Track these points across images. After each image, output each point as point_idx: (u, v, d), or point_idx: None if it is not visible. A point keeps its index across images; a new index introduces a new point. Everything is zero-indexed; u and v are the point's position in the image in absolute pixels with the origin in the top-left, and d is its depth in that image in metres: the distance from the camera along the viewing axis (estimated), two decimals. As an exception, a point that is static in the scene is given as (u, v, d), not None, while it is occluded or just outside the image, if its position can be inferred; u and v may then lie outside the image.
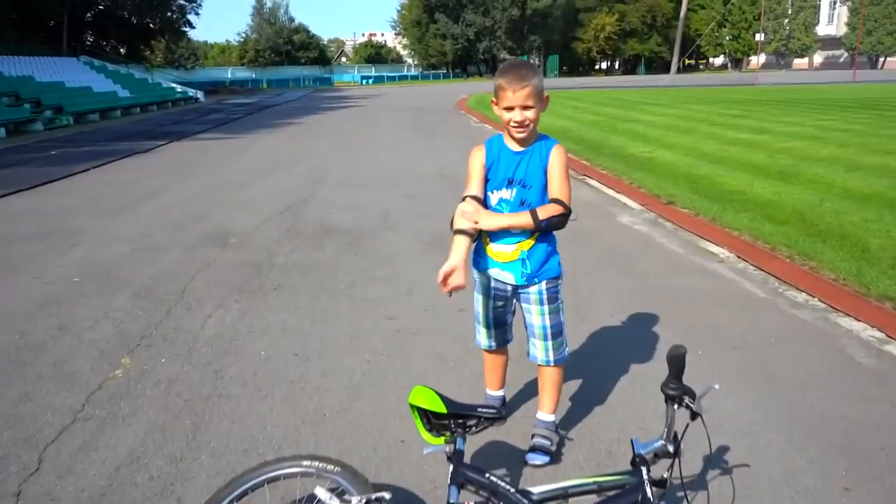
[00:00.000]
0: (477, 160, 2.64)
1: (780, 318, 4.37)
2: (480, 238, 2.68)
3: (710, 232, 6.46)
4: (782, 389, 3.38)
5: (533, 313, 2.73)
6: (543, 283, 2.66)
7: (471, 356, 3.76)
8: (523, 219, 2.51)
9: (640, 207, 7.68)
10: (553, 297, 2.69)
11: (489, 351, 2.98)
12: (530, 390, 3.29)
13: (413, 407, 2.41)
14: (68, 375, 3.62)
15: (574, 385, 3.45)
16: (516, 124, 2.50)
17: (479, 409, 2.43)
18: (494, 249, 2.66)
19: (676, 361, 2.06)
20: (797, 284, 4.94)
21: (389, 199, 8.47)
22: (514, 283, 2.68)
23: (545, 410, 2.87)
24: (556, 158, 2.54)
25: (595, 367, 3.65)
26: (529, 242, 2.60)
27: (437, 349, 3.91)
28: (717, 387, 2.08)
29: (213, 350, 3.93)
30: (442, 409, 2.38)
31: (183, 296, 4.89)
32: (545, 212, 2.50)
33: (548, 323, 2.72)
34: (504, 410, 3.14)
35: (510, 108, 2.48)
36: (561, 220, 2.52)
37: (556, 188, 2.53)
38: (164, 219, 7.56)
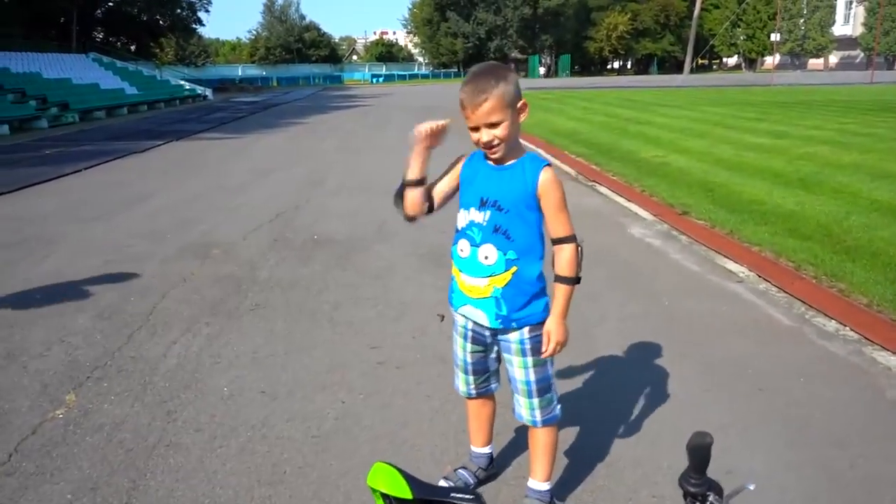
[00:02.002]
0: (457, 164, 2.28)
1: (809, 350, 3.90)
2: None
3: (727, 247, 5.97)
4: (817, 443, 2.91)
5: (515, 365, 2.28)
6: (525, 329, 2.20)
7: (459, 397, 3.30)
8: (565, 294, 2.17)
9: (653, 218, 7.21)
10: (538, 348, 2.22)
11: (469, 398, 2.53)
12: (523, 442, 2.83)
13: (373, 489, 1.97)
14: (1, 416, 3.19)
15: (573, 435, 3.00)
16: (484, 145, 2.08)
17: (453, 495, 1.99)
18: (466, 283, 2.22)
19: (700, 453, 1.61)
20: (826, 310, 4.45)
21: (388, 205, 7.98)
22: (488, 325, 2.23)
23: (537, 478, 2.42)
24: (549, 188, 2.10)
25: (598, 413, 3.19)
26: (505, 277, 2.14)
27: (422, 387, 3.46)
28: (752, 487, 1.60)
29: (170, 385, 3.50)
30: (407, 493, 1.92)
31: (150, 317, 4.46)
32: (566, 265, 2.14)
33: (532, 378, 2.27)
34: (493, 469, 2.70)
35: (475, 129, 2.07)
36: (580, 256, 2.15)
37: (559, 225, 2.13)
38: (148, 226, 7.15)
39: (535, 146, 13.11)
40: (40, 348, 3.96)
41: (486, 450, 2.65)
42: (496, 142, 2.06)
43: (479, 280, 2.18)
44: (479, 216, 2.16)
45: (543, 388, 2.29)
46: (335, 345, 4.02)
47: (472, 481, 2.61)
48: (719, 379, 3.52)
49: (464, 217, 2.21)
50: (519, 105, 2.07)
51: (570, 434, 2.99)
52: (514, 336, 2.23)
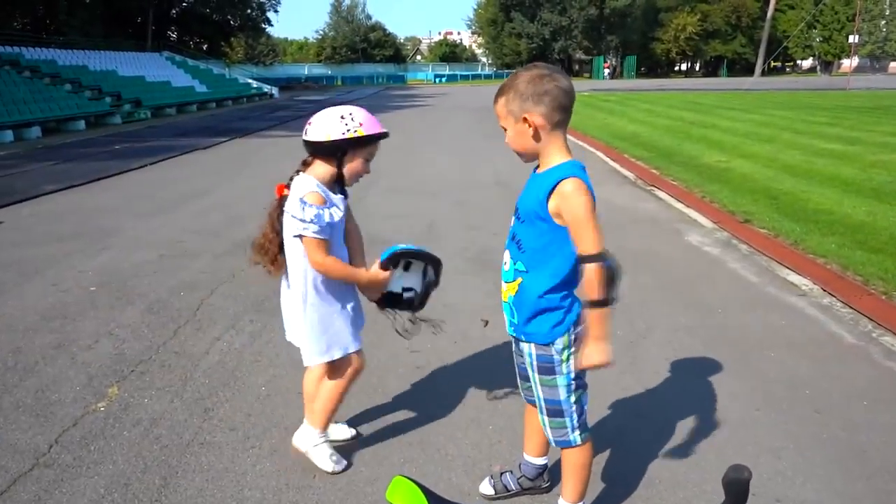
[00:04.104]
0: None
1: (873, 372, 3.65)
2: None
3: (790, 258, 5.70)
4: (876, 475, 2.71)
5: (529, 375, 2.22)
6: (533, 346, 2.12)
7: (496, 407, 3.24)
8: (593, 319, 1.97)
9: (713, 225, 6.95)
10: (545, 369, 2.13)
11: (527, 403, 2.45)
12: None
13: None
14: (47, 407, 3.26)
15: (614, 452, 2.87)
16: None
17: (473, 514, 1.92)
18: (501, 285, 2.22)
19: (736, 488, 1.49)
20: (895, 329, 4.19)
21: (440, 206, 7.98)
22: (507, 330, 2.23)
23: (566, 498, 2.31)
24: (564, 199, 1.94)
25: (641, 429, 3.06)
26: (513, 286, 2.11)
27: (459, 395, 3.38)
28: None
29: (210, 382, 3.52)
30: (425, 510, 1.88)
31: (197, 312, 4.52)
32: (587, 287, 1.95)
33: (541, 395, 2.18)
34: (541, 482, 2.58)
35: None
36: (606, 276, 1.94)
37: (578, 241, 1.95)
38: (202, 222, 7.29)
39: (594, 149, 12.88)
40: (89, 340, 4.05)
41: (536, 460, 2.53)
42: (511, 145, 2.08)
43: (502, 284, 2.19)
44: (512, 222, 2.16)
45: (553, 411, 2.18)
46: (375, 347, 3.96)
47: (512, 487, 2.57)
48: (773, 398, 3.33)
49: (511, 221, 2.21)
50: (524, 118, 1.97)
51: (610, 450, 2.87)
52: (525, 348, 2.17)
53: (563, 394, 2.15)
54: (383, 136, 2.47)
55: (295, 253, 2.48)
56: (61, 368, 3.68)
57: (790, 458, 2.82)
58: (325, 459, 2.73)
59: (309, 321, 2.54)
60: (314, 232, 2.36)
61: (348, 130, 2.38)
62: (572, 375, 2.14)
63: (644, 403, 3.31)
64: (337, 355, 2.60)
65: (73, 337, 4.11)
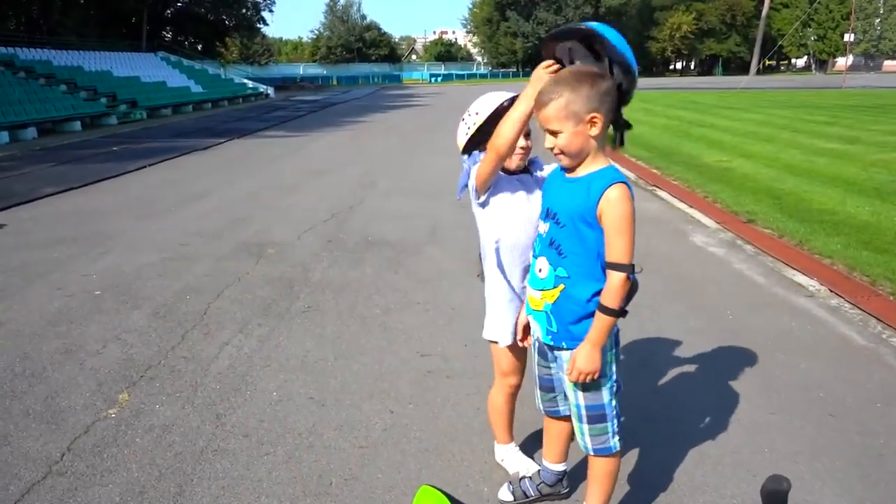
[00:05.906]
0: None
1: (885, 374, 3.64)
2: None
3: (796, 258, 5.69)
4: (894, 480, 2.71)
5: (566, 385, 2.19)
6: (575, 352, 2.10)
7: (510, 411, 3.21)
8: (599, 323, 1.99)
9: (716, 226, 6.94)
10: None
11: (544, 413, 2.43)
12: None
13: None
14: (57, 413, 3.23)
15: (630, 457, 2.85)
16: (549, 150, 2.02)
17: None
18: (528, 293, 2.20)
19: (776, 499, 1.48)
20: (904, 331, 4.18)
21: (441, 208, 7.95)
22: (541, 339, 2.18)
23: (590, 506, 2.30)
24: (609, 205, 1.93)
25: (656, 434, 3.04)
26: (553, 293, 2.06)
27: (472, 399, 3.37)
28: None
29: (220, 387, 3.49)
30: (454, 521, 1.86)
31: (204, 316, 4.49)
32: (607, 293, 1.96)
33: (581, 402, 2.15)
34: (561, 488, 2.57)
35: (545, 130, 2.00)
36: (629, 291, 1.97)
37: (611, 248, 1.95)
38: (204, 224, 7.25)
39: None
40: (97, 345, 4.02)
41: (555, 467, 2.52)
42: (556, 150, 1.99)
43: (535, 292, 2.16)
44: (544, 227, 2.13)
45: (596, 416, 2.16)
46: (384, 351, 3.96)
47: (532, 494, 2.55)
48: (786, 402, 3.32)
49: (539, 226, 2.17)
50: (588, 118, 1.92)
51: (626, 456, 2.84)
52: (565, 355, 2.13)
53: (606, 397, 2.14)
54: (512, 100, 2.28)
55: (481, 227, 2.55)
56: (70, 374, 3.65)
57: (807, 462, 2.81)
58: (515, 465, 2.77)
59: (487, 295, 2.62)
60: (471, 166, 2.40)
61: (468, 129, 2.41)
62: (615, 377, 2.14)
63: (658, 407, 3.29)
64: (492, 338, 2.61)
65: (81, 342, 4.08)
